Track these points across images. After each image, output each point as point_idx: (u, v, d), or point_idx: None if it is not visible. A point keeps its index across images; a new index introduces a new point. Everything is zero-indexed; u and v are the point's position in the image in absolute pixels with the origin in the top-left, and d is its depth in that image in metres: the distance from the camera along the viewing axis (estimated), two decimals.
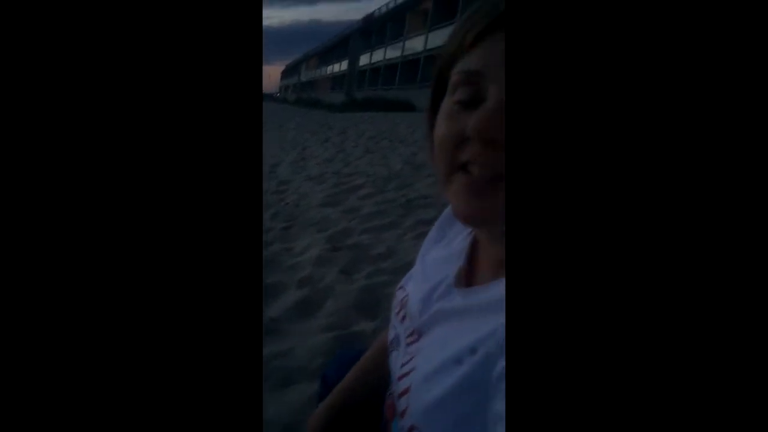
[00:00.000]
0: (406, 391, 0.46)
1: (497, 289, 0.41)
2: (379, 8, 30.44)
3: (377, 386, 0.63)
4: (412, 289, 0.56)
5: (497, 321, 0.38)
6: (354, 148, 7.07)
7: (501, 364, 0.37)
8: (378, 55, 28.00)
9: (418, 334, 0.50)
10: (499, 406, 0.35)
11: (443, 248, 0.57)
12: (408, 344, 0.51)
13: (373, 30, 30.29)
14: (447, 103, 0.41)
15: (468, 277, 0.50)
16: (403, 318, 0.55)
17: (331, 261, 2.34)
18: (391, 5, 27.86)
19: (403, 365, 0.49)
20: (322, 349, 1.44)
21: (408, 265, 1.97)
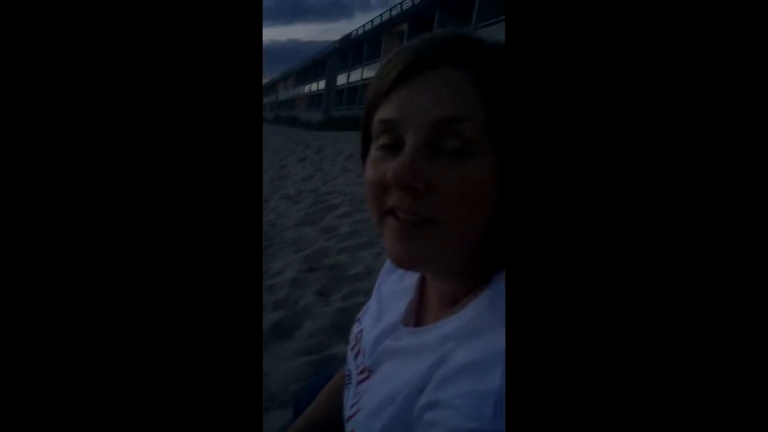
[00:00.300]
0: None
1: (441, 330, 0.42)
2: (356, 29, 30.95)
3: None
4: (366, 323, 0.56)
5: (431, 360, 0.39)
6: (332, 167, 7.08)
7: (421, 400, 0.37)
8: (355, 75, 28.35)
9: (368, 371, 0.50)
10: None
11: (397, 281, 0.57)
12: (358, 382, 0.51)
13: (350, 50, 30.73)
14: (372, 150, 0.42)
15: (417, 314, 0.50)
16: (357, 353, 0.55)
17: (308, 282, 2.32)
18: (368, 27, 28.38)
19: (352, 406, 0.49)
20: (297, 374, 1.41)
21: None
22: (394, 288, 0.56)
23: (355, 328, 0.59)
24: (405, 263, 0.41)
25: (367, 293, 1.91)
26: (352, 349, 0.57)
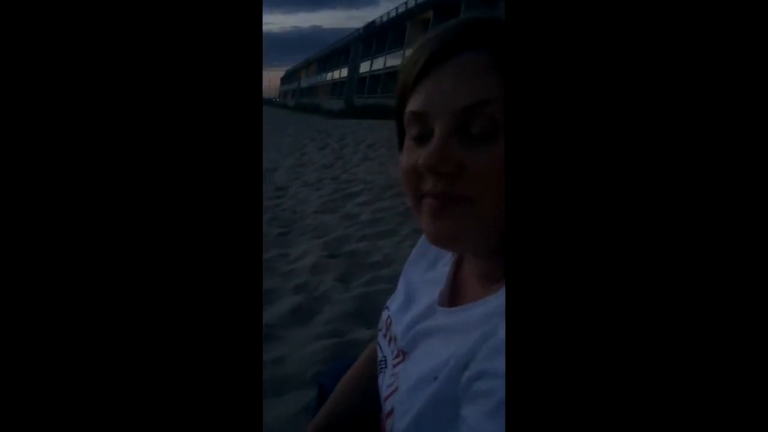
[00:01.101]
0: (390, 413, 0.47)
1: (479, 308, 0.44)
2: (381, 17, 30.68)
3: (370, 392, 0.63)
4: (394, 310, 0.57)
5: (476, 335, 0.41)
6: (353, 155, 7.08)
7: (468, 372, 0.39)
8: (378, 63, 28.18)
9: (402, 354, 0.51)
10: (465, 411, 0.38)
11: (426, 270, 0.59)
12: (394, 365, 0.52)
13: (374, 38, 30.51)
14: (406, 139, 0.45)
15: (452, 297, 0.51)
16: (390, 340, 0.56)
17: (328, 268, 2.33)
18: (393, 14, 28.08)
19: (389, 386, 0.50)
20: (318, 357, 1.43)
21: None
22: (423, 277, 0.58)
23: (384, 315, 0.61)
24: (441, 240, 0.43)
25: (388, 281, 1.91)
26: (384, 336, 0.58)
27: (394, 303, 0.59)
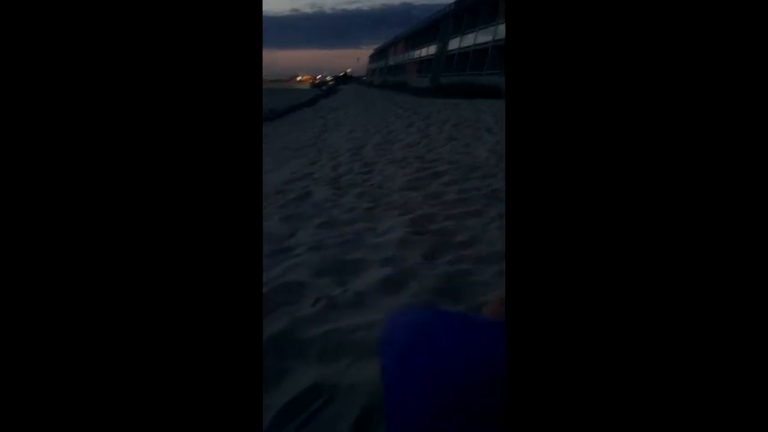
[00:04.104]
0: None
1: None
2: None
3: None
4: None
5: None
6: (438, 134, 7.02)
7: None
8: (468, 40, 27.22)
9: None
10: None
11: None
12: None
13: (465, 13, 29.47)
14: None
15: None
16: None
17: (414, 244, 2.38)
18: None
19: None
20: None
21: (493, 255, 1.94)
22: None
23: None
24: None
25: (474, 261, 1.90)
26: None
27: None
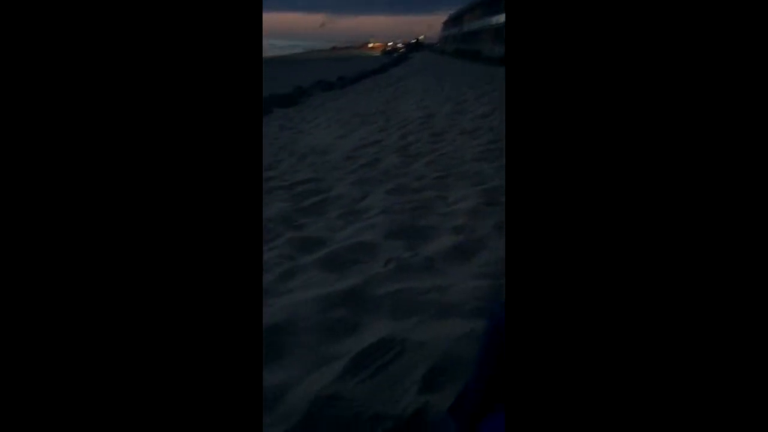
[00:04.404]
0: None
1: None
2: None
3: None
4: None
5: None
6: None
7: None
8: None
9: None
10: None
11: None
12: None
13: None
14: None
15: None
16: None
17: (485, 214, 2.36)
18: None
19: None
20: (479, 292, 1.50)
21: None
22: None
23: None
24: None
25: None
26: None
27: None
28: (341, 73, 15.48)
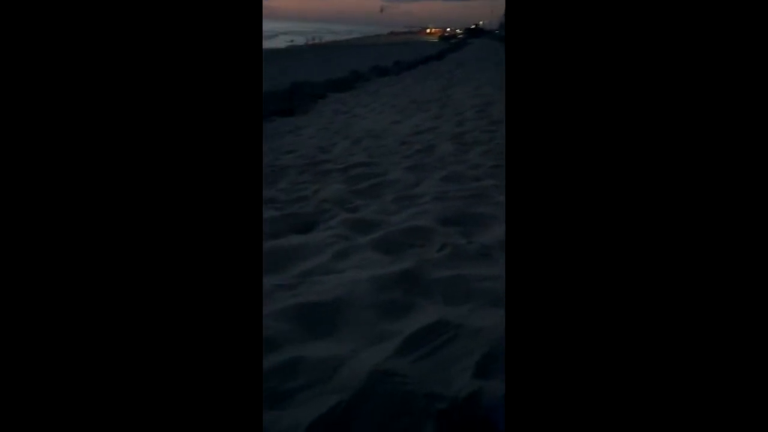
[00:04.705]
0: None
1: None
2: None
3: None
4: None
5: None
6: None
7: None
8: None
9: None
10: None
11: None
12: None
13: None
14: None
15: None
16: None
17: None
18: None
19: None
20: None
21: None
22: None
23: None
24: None
25: None
26: None
27: None
28: (398, 58, 15.40)
